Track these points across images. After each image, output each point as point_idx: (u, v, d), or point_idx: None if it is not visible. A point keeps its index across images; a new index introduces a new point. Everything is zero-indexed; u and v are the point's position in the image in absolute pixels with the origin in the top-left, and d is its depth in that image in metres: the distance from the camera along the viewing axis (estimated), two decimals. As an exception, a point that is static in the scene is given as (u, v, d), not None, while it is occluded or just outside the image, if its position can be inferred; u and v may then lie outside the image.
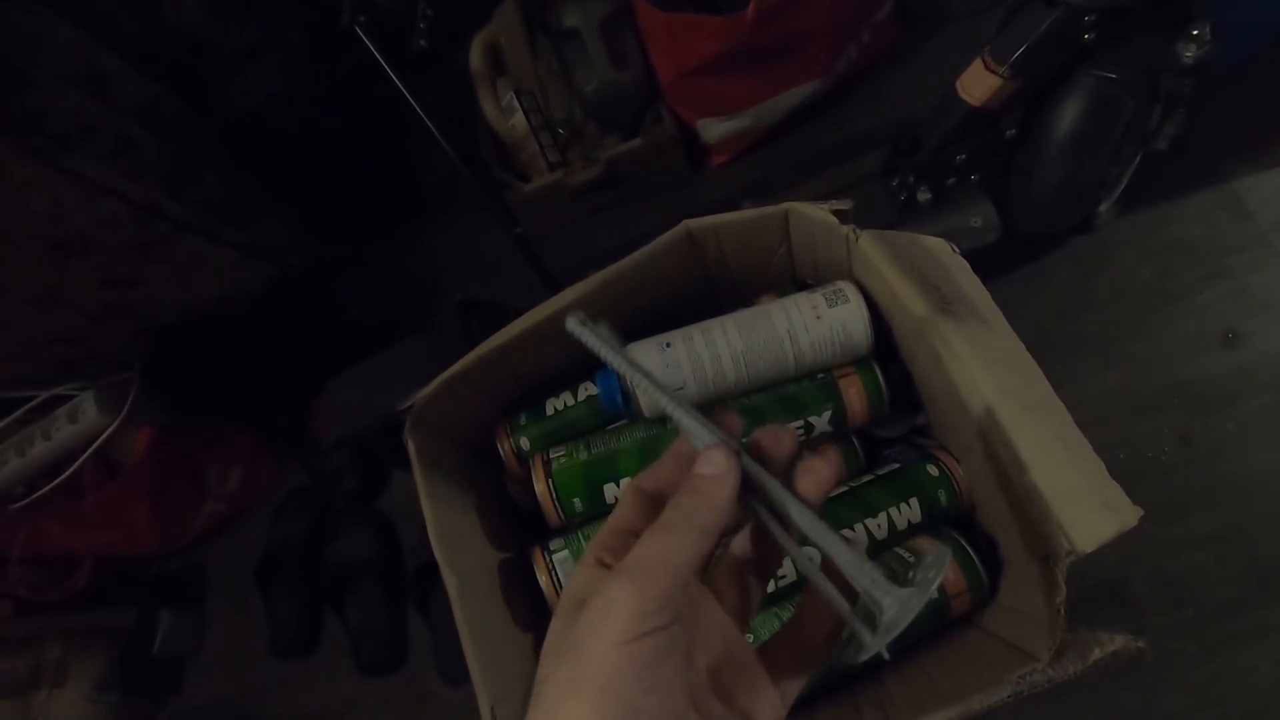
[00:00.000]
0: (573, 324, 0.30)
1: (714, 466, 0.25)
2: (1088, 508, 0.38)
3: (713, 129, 0.97)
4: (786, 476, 0.27)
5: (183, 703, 1.02)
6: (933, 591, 0.24)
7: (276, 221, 0.98)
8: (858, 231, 0.46)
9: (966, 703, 0.37)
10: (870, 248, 0.46)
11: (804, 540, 0.27)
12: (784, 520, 0.27)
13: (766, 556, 0.29)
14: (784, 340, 0.50)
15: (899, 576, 0.25)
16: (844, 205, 0.48)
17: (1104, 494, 0.40)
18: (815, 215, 0.48)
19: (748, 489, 0.26)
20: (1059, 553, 0.38)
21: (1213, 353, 0.81)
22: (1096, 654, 0.36)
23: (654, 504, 0.25)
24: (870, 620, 0.25)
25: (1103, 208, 0.79)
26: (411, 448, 0.51)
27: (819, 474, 0.28)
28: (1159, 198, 0.87)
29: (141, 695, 0.97)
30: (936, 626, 0.49)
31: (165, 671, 1.00)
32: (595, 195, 1.03)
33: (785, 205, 0.49)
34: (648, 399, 0.30)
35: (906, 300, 0.44)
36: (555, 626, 0.24)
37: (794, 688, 0.27)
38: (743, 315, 0.52)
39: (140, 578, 1.07)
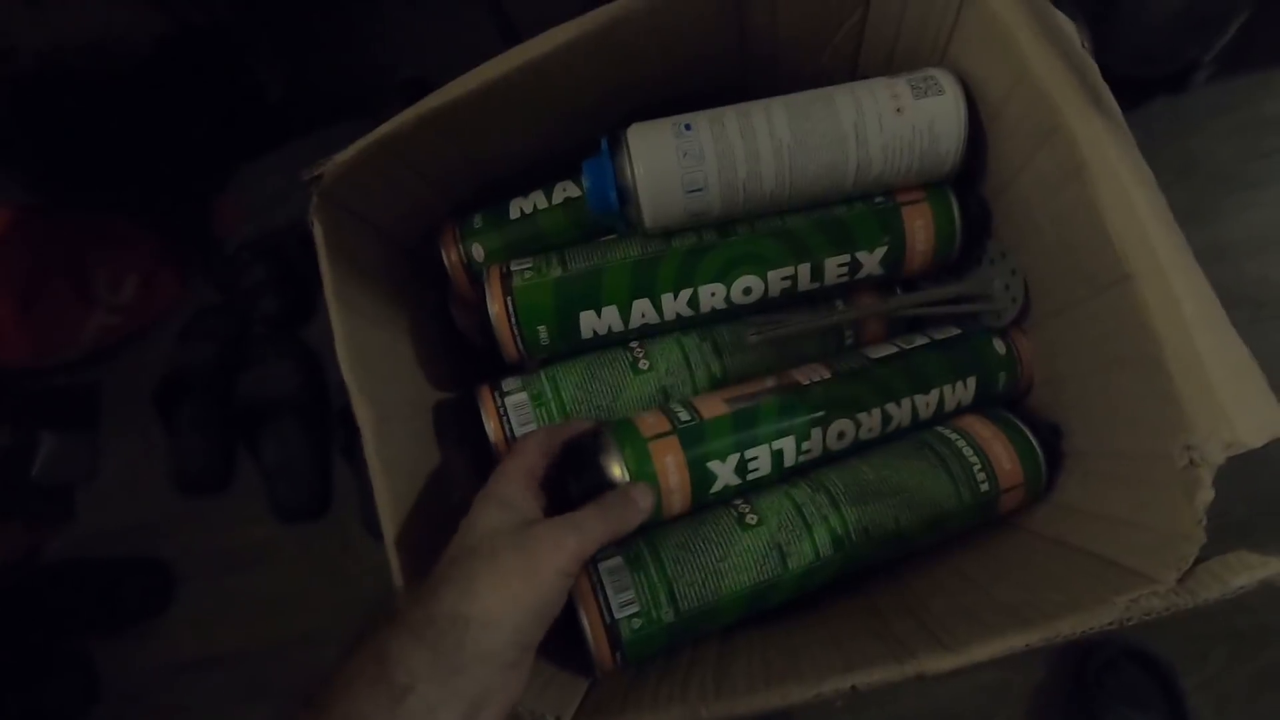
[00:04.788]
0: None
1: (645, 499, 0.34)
2: (1255, 390, 0.28)
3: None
4: None
5: (75, 531, 0.91)
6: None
7: (175, -38, 0.76)
8: (990, -29, 0.32)
9: (1054, 625, 0.27)
10: (1001, 2, 0.32)
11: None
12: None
13: None
14: (848, 137, 0.36)
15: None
16: (968, -61, 0.33)
17: (1260, 379, 0.29)
18: (925, -51, 0.33)
19: None
20: (1211, 444, 0.27)
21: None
22: (1242, 581, 0.26)
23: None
24: None
25: (1207, 57, 0.65)
26: (318, 231, 0.36)
27: None
28: (1259, 65, 0.73)
29: (21, 520, 0.86)
30: (978, 523, 0.39)
31: (50, 497, 0.89)
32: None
33: (885, -70, 0.34)
34: None
35: (1045, 81, 0.31)
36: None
37: None
38: (797, 98, 0.37)
39: (21, 394, 0.92)
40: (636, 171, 0.36)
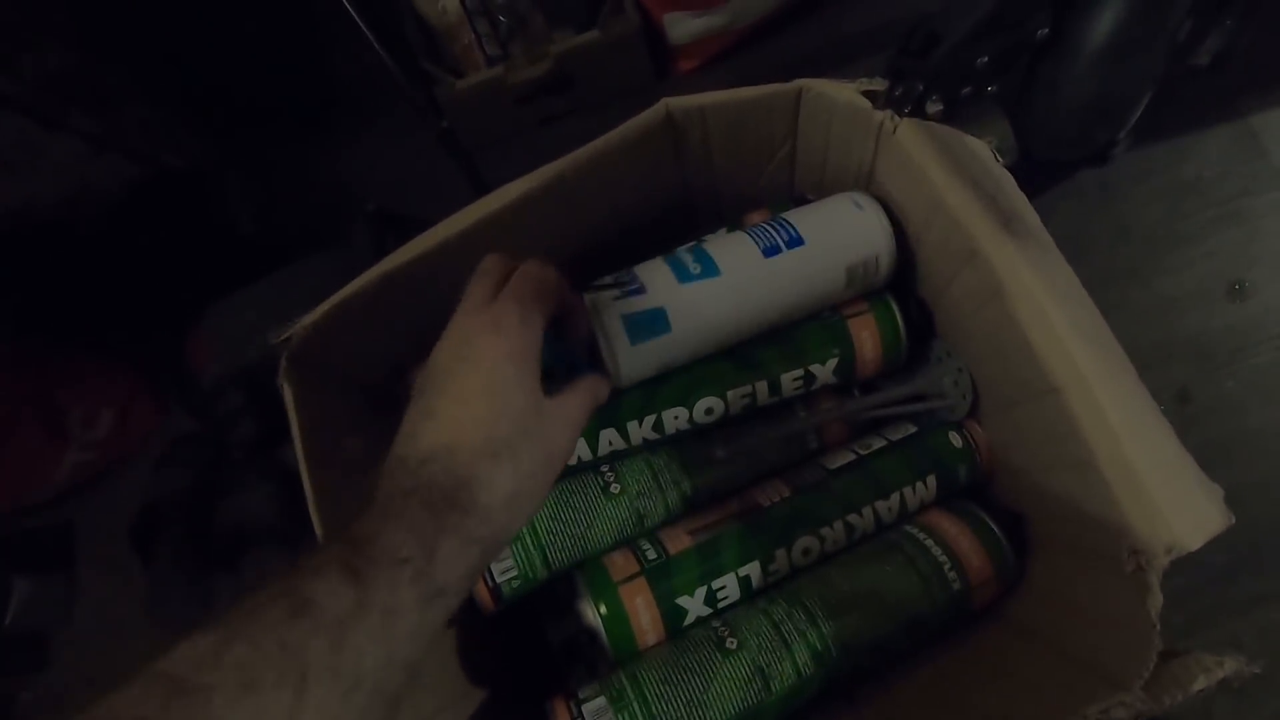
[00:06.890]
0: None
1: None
2: (1187, 491, 0.29)
3: (681, 26, 0.83)
4: None
5: (50, 680, 0.88)
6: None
7: (146, 111, 0.79)
8: (896, 118, 0.35)
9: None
10: (912, 140, 0.35)
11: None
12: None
13: None
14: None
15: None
16: (876, 85, 0.36)
17: (1196, 475, 0.31)
18: (838, 97, 0.36)
19: None
20: (1153, 548, 0.29)
21: (1217, 304, 0.75)
22: (1201, 682, 0.27)
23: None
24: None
25: (1121, 135, 0.70)
26: (289, 396, 0.38)
27: None
28: (1172, 132, 0.79)
29: (-7, 674, 0.82)
30: (953, 620, 0.40)
31: (24, 647, 0.86)
32: (542, 101, 0.88)
33: (799, 82, 0.37)
34: None
35: (958, 212, 0.33)
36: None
37: None
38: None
39: (-8, 537, 0.90)
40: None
